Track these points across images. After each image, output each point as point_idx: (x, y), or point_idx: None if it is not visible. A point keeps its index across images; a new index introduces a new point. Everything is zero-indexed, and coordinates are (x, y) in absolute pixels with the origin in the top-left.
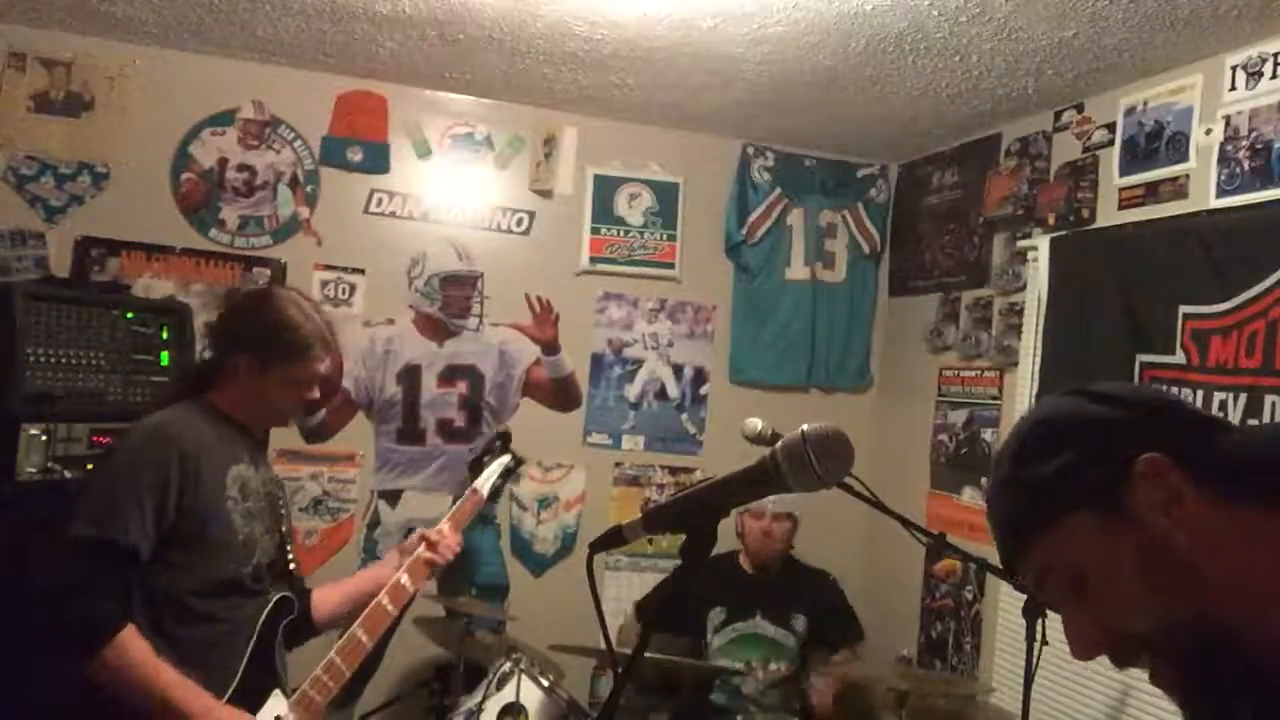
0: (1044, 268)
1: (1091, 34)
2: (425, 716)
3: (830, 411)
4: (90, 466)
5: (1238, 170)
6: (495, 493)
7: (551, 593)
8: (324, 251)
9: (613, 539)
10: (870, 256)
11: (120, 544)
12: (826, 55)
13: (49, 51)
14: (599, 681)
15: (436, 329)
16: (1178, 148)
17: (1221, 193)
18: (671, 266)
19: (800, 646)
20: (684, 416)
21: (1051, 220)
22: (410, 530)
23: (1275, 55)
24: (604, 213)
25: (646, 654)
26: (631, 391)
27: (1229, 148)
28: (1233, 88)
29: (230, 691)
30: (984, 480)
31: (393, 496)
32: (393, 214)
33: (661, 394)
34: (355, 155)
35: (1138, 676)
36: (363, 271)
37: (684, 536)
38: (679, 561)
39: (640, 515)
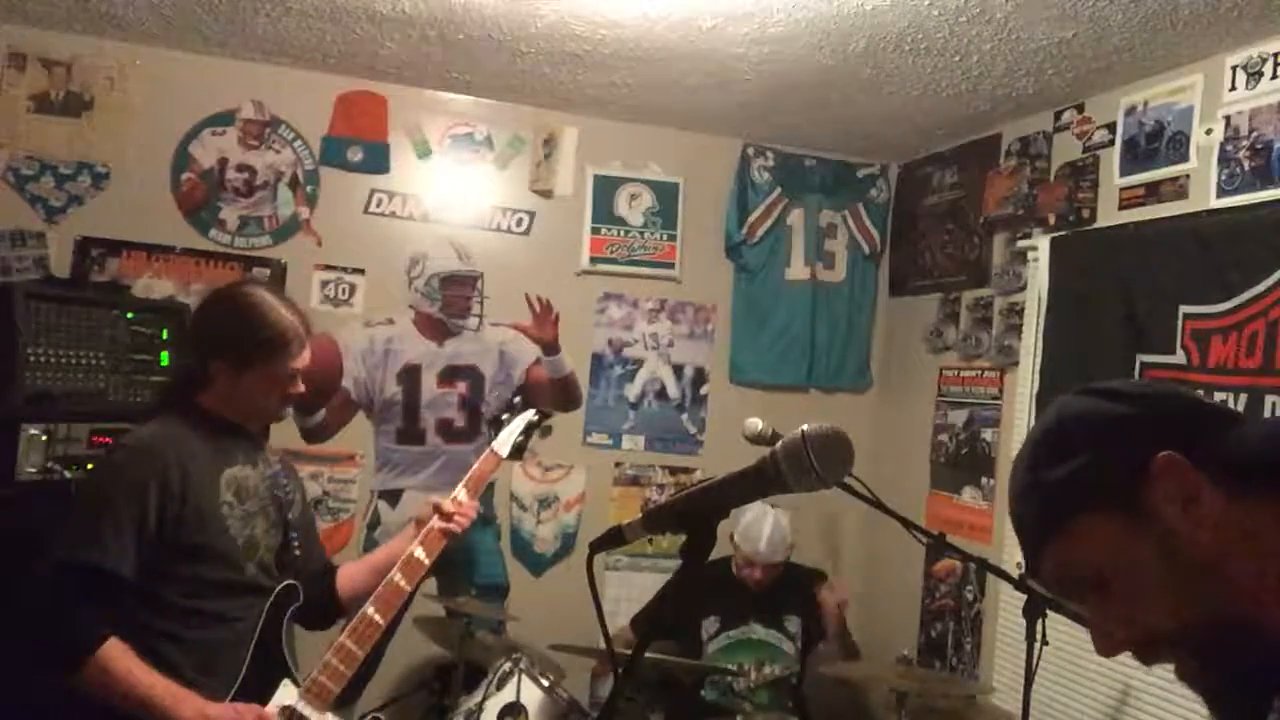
0: (1044, 268)
1: (1091, 34)
2: (425, 716)
3: (830, 411)
4: (90, 467)
5: (1238, 170)
6: (519, 450)
7: (551, 593)
8: (324, 251)
9: (613, 539)
10: (870, 256)
11: (98, 567)
12: (826, 55)
13: (49, 51)
14: (599, 681)
15: (436, 329)
16: (1178, 148)
17: (1221, 193)
18: (671, 266)
19: (798, 648)
20: (684, 416)
21: (1051, 220)
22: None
23: (1275, 55)
24: (604, 213)
25: (644, 654)
26: (631, 391)
27: (1229, 148)
28: (1233, 88)
29: (235, 688)
30: (984, 480)
31: (393, 496)
32: (393, 214)
33: (661, 394)
34: (355, 155)
35: (1137, 676)
36: (363, 271)
37: (684, 537)
38: (679, 563)
39: (640, 515)
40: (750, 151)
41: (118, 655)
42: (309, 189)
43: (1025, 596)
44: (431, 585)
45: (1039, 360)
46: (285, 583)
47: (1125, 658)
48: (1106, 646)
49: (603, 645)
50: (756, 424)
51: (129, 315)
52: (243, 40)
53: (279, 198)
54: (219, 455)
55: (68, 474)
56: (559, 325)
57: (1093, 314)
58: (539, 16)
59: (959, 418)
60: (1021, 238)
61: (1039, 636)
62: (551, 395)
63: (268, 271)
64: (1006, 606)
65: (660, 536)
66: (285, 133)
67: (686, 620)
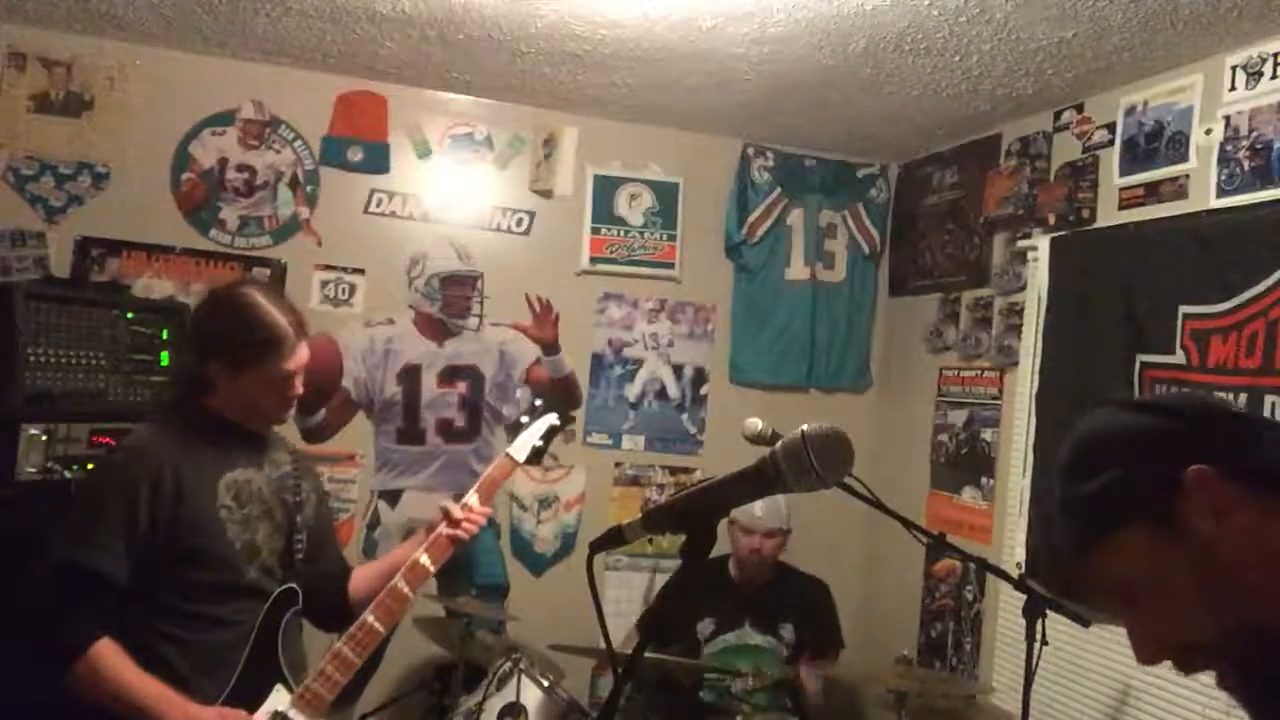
0: (1044, 268)
1: (1091, 34)
2: (425, 716)
3: (830, 411)
4: (90, 467)
5: (1238, 170)
6: (538, 455)
7: (551, 593)
8: (324, 251)
9: (613, 539)
10: (870, 256)
11: (91, 569)
12: (826, 55)
13: (49, 51)
14: (599, 681)
15: (436, 329)
16: (1178, 148)
17: (1221, 193)
18: (671, 266)
19: (790, 654)
20: (684, 416)
21: (1051, 220)
22: (410, 531)
23: (1275, 55)
24: (604, 213)
25: (646, 654)
26: (631, 391)
27: (1229, 148)
28: (1233, 88)
29: (226, 691)
30: (984, 480)
31: (393, 496)
32: (393, 214)
33: (661, 394)
34: (355, 155)
35: (1137, 676)
36: (363, 271)
37: (684, 537)
38: (679, 563)
39: (640, 515)
40: (750, 151)
41: (108, 656)
42: (309, 189)
43: (1025, 596)
44: (431, 585)
45: (1039, 360)
46: (283, 587)
47: (1124, 657)
48: (1146, 656)
49: (603, 645)
50: (756, 424)
51: (129, 315)
52: (243, 40)
53: (279, 198)
54: (220, 458)
55: (68, 474)
56: (559, 325)
57: (1093, 314)
58: (539, 16)
59: (959, 418)
60: (1021, 238)
61: (1039, 636)
62: (551, 395)
63: (268, 271)
64: (1006, 606)
65: (660, 536)
66: (285, 133)
67: (684, 621)
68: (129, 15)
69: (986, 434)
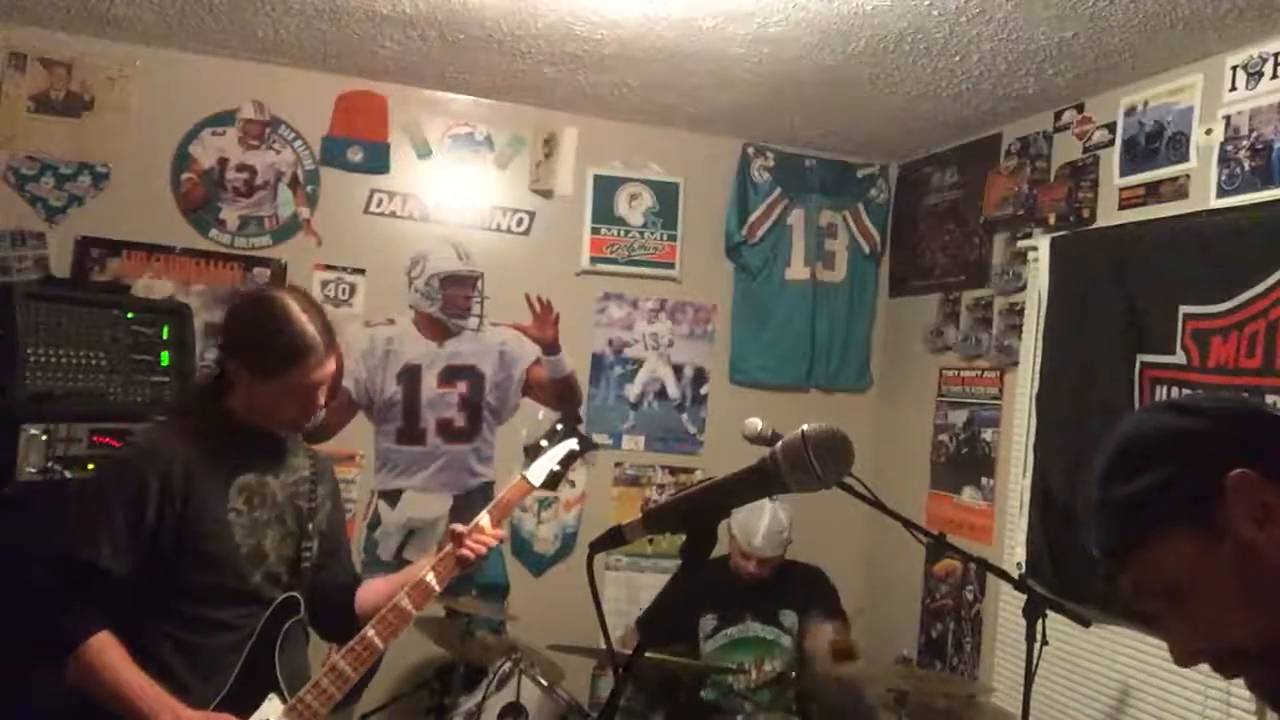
0: (1044, 268)
1: (1091, 34)
2: (425, 716)
3: (830, 411)
4: (90, 467)
5: (1238, 170)
6: (555, 480)
7: (551, 593)
8: (324, 251)
9: (613, 539)
10: (870, 256)
11: (88, 563)
12: (826, 55)
13: (49, 51)
14: (599, 681)
15: (436, 329)
16: (1178, 148)
17: (1221, 193)
18: (671, 266)
19: (795, 642)
20: (684, 416)
21: (1052, 220)
22: (410, 531)
23: (1275, 55)
24: (604, 213)
25: (644, 654)
26: (631, 391)
27: (1229, 148)
28: (1233, 88)
29: (220, 697)
30: (984, 480)
31: (393, 496)
32: (393, 214)
33: (661, 394)
34: (355, 155)
35: (1137, 676)
36: (363, 271)
37: (684, 537)
38: (679, 563)
39: (640, 515)
40: (750, 151)
41: (103, 651)
42: (309, 189)
43: (1025, 596)
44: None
45: (1039, 360)
46: (284, 595)
47: (1124, 657)
48: (1184, 658)
49: (603, 645)
50: (756, 424)
51: (129, 315)
52: (243, 40)
53: (279, 198)
54: (233, 460)
55: (68, 474)
56: (559, 325)
57: (1093, 314)
58: (539, 17)
59: (959, 418)
60: (1021, 238)
61: (1039, 636)
62: (551, 395)
63: (268, 272)
64: (1006, 606)
65: (660, 536)
66: (285, 133)
67: (683, 617)
68: (129, 15)
69: (986, 434)
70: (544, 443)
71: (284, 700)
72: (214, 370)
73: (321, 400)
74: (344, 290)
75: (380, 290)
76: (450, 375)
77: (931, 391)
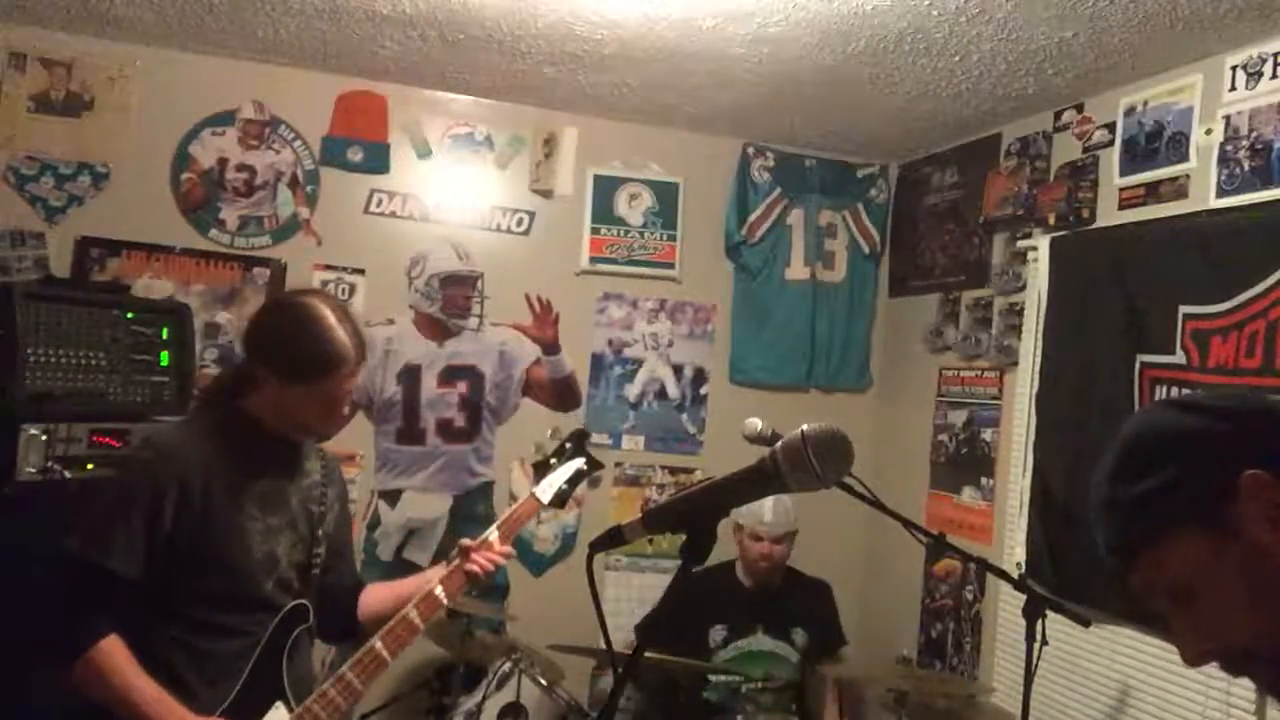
0: (1044, 268)
1: (1091, 34)
2: (425, 716)
3: (830, 411)
4: (90, 467)
5: (1238, 170)
6: (562, 499)
7: (551, 593)
8: (324, 251)
9: (613, 539)
10: (870, 256)
11: (102, 568)
12: (826, 55)
13: (49, 51)
14: (599, 681)
15: (436, 329)
16: (1178, 148)
17: (1221, 193)
18: (671, 266)
19: (800, 659)
20: (684, 416)
21: (1051, 220)
22: (410, 531)
23: (1275, 55)
24: (604, 213)
25: (645, 655)
26: (631, 391)
27: (1229, 148)
28: (1233, 88)
29: (226, 704)
30: (984, 480)
31: (392, 496)
32: (393, 214)
33: (661, 394)
34: (355, 155)
35: (1137, 676)
36: (363, 271)
37: (684, 536)
38: (679, 563)
39: (640, 515)
40: (750, 151)
41: (112, 656)
42: (309, 189)
43: (1025, 596)
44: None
45: (1039, 360)
46: (293, 603)
47: (1124, 657)
48: (1191, 657)
49: (603, 645)
50: (756, 424)
51: (129, 315)
52: (243, 40)
53: (279, 198)
54: (250, 465)
55: (68, 474)
56: (559, 325)
57: (1093, 314)
58: (539, 17)
59: (959, 418)
60: (1021, 238)
61: (1039, 636)
62: (551, 395)
63: (268, 272)
64: (1006, 606)
65: (660, 536)
66: (285, 133)
67: (692, 626)
68: (129, 15)
69: (986, 434)
70: (553, 460)
71: (290, 708)
72: (235, 371)
73: (346, 410)
74: (344, 290)
75: (380, 290)
76: (450, 375)
77: (931, 391)
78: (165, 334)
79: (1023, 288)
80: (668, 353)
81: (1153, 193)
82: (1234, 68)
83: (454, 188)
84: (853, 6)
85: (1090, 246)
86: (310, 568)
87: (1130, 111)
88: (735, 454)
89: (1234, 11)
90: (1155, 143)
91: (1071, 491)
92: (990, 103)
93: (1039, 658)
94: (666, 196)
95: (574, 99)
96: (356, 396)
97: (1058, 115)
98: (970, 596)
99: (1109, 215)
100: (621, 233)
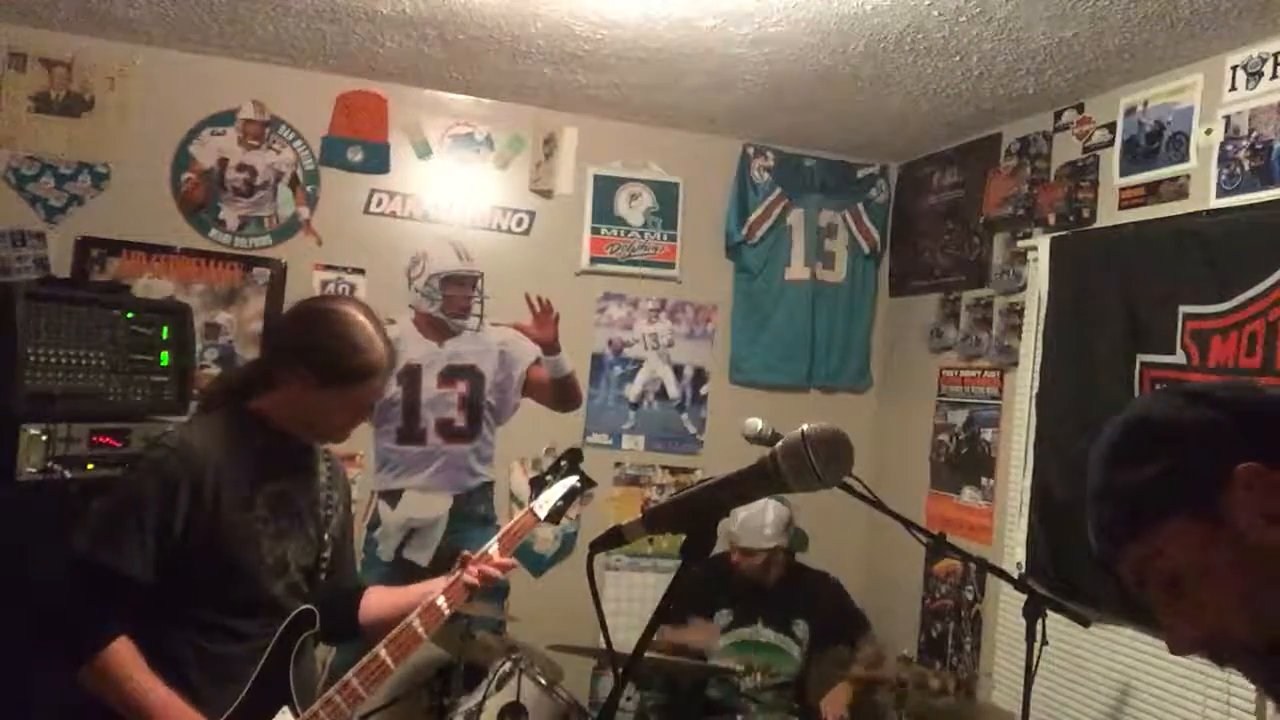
0: (1044, 268)
1: (1091, 34)
2: (425, 716)
3: (830, 411)
4: (90, 467)
5: (1238, 170)
6: (557, 514)
7: (551, 593)
8: (324, 251)
9: (613, 539)
10: (870, 256)
11: (113, 569)
12: (826, 55)
13: (49, 51)
14: (599, 681)
15: (436, 329)
16: (1178, 148)
17: (1221, 193)
18: (671, 266)
19: (804, 653)
20: (684, 416)
21: (1051, 220)
22: (410, 531)
23: (1275, 55)
24: (604, 213)
25: (645, 653)
26: (631, 391)
27: (1229, 148)
28: (1233, 88)
29: (234, 708)
30: (984, 480)
31: (393, 497)
32: (393, 214)
33: (661, 394)
34: (355, 155)
35: (1137, 676)
36: (363, 271)
37: (684, 536)
38: (679, 563)
39: (640, 515)
40: (750, 151)
41: (121, 658)
42: (309, 189)
43: (1025, 596)
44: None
45: (1039, 360)
46: (301, 608)
47: (1124, 657)
48: (1179, 646)
49: (603, 645)
50: (756, 424)
51: (129, 315)
52: (243, 40)
53: (279, 198)
54: (262, 466)
55: (68, 474)
56: (559, 325)
57: (1093, 314)
58: (539, 17)
59: (959, 418)
60: (1021, 238)
61: (1039, 636)
62: (552, 395)
63: (268, 272)
64: (1006, 606)
65: (660, 536)
66: (285, 133)
67: (700, 607)
68: (129, 15)
69: (986, 434)
70: (549, 477)
71: (295, 713)
72: (246, 371)
73: (370, 415)
74: (344, 290)
75: (380, 290)
76: (450, 375)
77: (931, 391)
78: (165, 334)
79: (1023, 288)
80: (668, 353)
81: (1153, 193)
82: (1234, 68)
83: (454, 188)
84: (852, 6)
85: (1090, 246)
86: (317, 571)
87: (1130, 111)
88: (735, 454)
89: (1234, 11)
90: (1155, 143)
91: (1071, 491)
92: (990, 103)
93: (1039, 658)
94: (666, 196)
95: (574, 99)
96: None
97: (1058, 115)
98: (970, 596)
99: (1109, 215)
100: (622, 233)
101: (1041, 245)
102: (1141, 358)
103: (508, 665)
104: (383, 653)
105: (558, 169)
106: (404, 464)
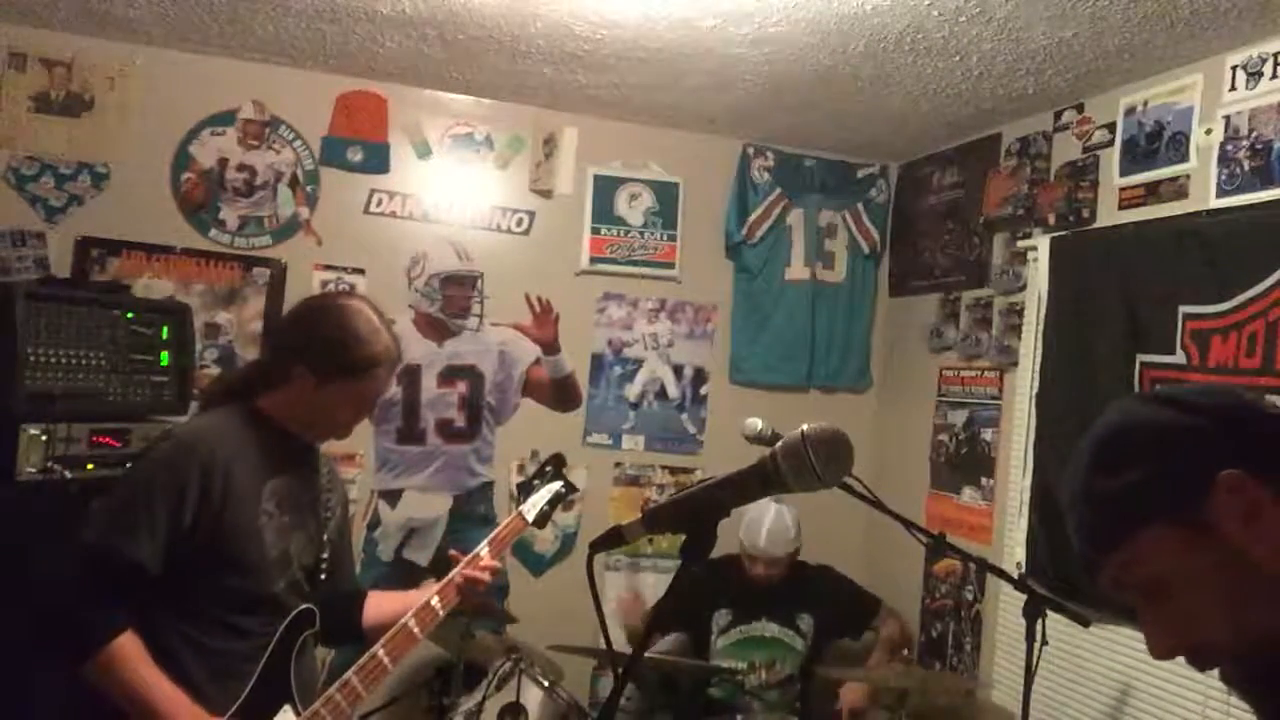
0: (1044, 268)
1: (1091, 34)
2: (425, 716)
3: (830, 411)
4: (90, 467)
5: (1238, 170)
6: (543, 519)
7: (551, 593)
8: (324, 251)
9: (613, 539)
10: (870, 256)
11: (125, 558)
12: (826, 55)
13: (49, 51)
14: (599, 681)
15: (436, 329)
16: (1178, 148)
17: (1221, 193)
18: (671, 266)
19: (808, 646)
20: (684, 416)
21: (1051, 220)
22: (410, 531)
23: (1275, 55)
24: (604, 213)
25: (647, 654)
26: (631, 391)
27: (1229, 148)
28: (1233, 88)
29: (237, 705)
30: (984, 480)
31: (393, 496)
32: (393, 214)
33: (661, 394)
34: (355, 155)
35: (1137, 676)
36: (363, 271)
37: (684, 537)
38: (679, 563)
39: (640, 515)
40: (750, 151)
41: (127, 651)
42: (309, 189)
43: (1025, 596)
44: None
45: (1039, 360)
46: (302, 607)
47: (1124, 657)
48: (1161, 651)
49: (603, 645)
50: (756, 424)
51: (129, 315)
52: (243, 40)
53: (279, 198)
54: (267, 462)
55: (68, 474)
56: (559, 325)
57: (1093, 314)
58: (539, 17)
59: (959, 418)
60: (1021, 238)
61: (1039, 636)
62: (551, 395)
63: (268, 272)
64: (1006, 606)
65: (660, 536)
66: (285, 133)
67: (695, 612)
68: (129, 15)
69: (986, 434)
70: (535, 482)
71: (297, 711)
72: (250, 369)
73: (373, 410)
74: (344, 290)
75: (380, 290)
76: (450, 375)
77: (931, 391)
78: (165, 334)
79: (1023, 288)
80: (668, 353)
81: (1153, 193)
82: (1234, 68)
83: (454, 188)
84: (852, 6)
85: (1090, 246)
86: (318, 571)
87: (1130, 111)
88: (735, 454)
89: (1234, 11)
90: (1155, 143)
91: None
92: (990, 103)
93: (1039, 658)
94: (666, 196)
95: (574, 99)
96: None
97: (1058, 115)
98: (970, 596)
99: (1109, 215)
100: (621, 233)
101: (1041, 245)
102: (1141, 358)
103: (508, 665)
104: (381, 652)
105: (558, 169)
106: (404, 464)
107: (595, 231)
